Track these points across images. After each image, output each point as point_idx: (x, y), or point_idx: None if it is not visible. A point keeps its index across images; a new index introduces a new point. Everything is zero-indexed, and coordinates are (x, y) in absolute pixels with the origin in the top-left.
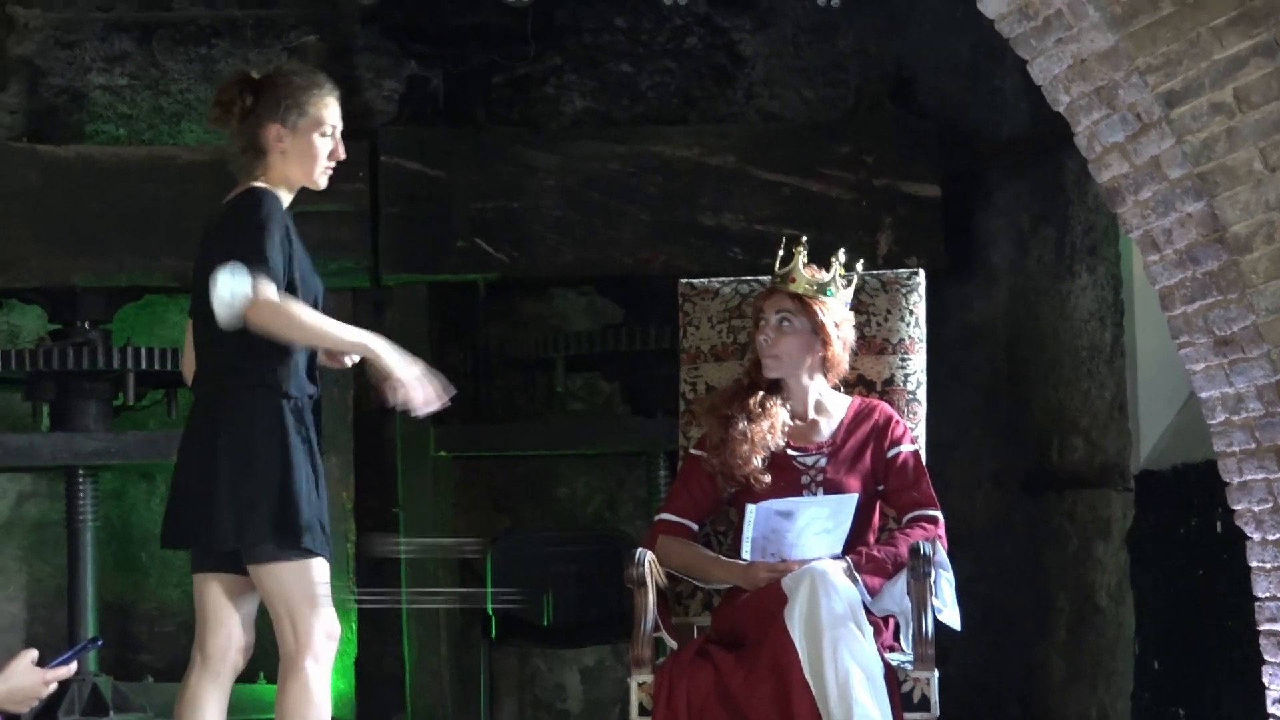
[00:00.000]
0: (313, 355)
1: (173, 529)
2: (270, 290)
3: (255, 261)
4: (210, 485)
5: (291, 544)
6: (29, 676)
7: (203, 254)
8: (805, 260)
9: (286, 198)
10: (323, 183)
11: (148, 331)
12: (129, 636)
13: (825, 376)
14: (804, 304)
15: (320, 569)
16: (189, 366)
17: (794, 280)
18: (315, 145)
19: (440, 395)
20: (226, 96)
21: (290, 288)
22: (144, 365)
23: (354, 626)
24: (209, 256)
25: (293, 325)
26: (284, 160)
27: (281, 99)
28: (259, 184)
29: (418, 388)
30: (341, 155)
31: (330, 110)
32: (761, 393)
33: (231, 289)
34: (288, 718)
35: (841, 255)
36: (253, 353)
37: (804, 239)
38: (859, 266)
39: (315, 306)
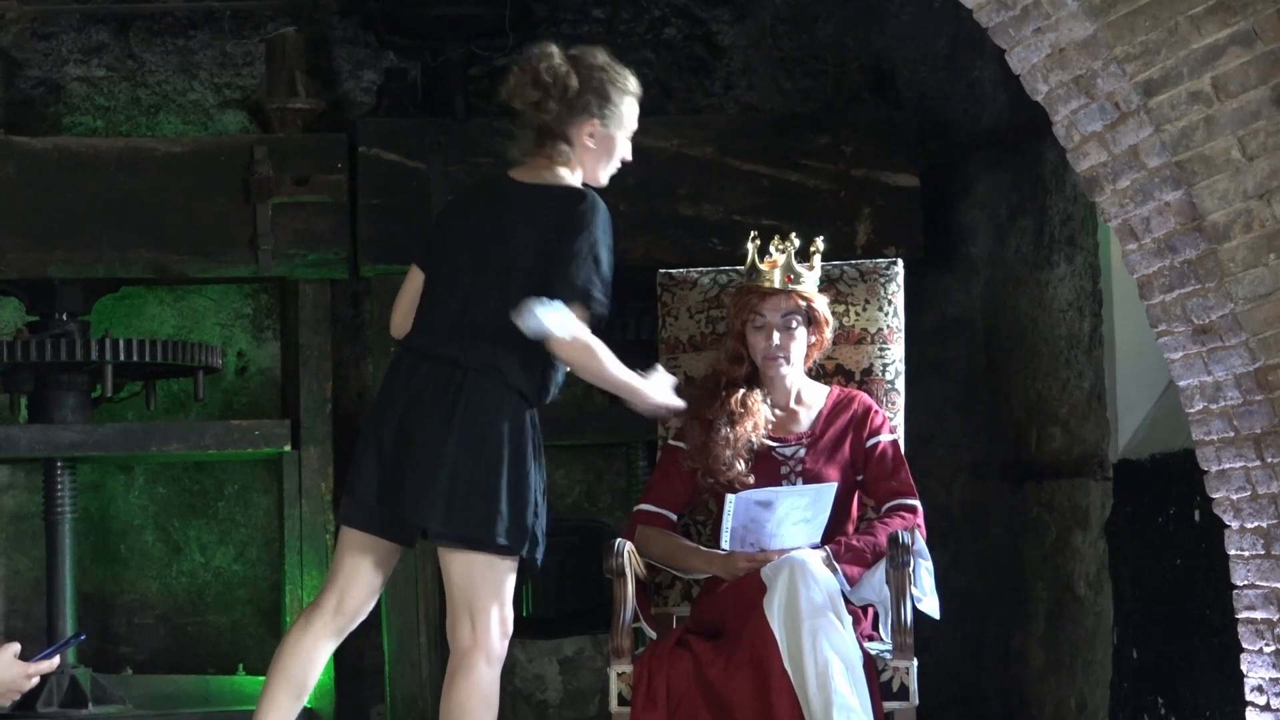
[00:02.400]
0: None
1: (381, 487)
2: (585, 332)
3: (585, 296)
4: (434, 461)
5: (491, 536)
6: (11, 669)
7: (506, 227)
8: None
9: None
10: (606, 181)
11: (126, 323)
12: (108, 629)
13: (805, 363)
14: (808, 303)
15: (512, 569)
16: (402, 316)
17: (791, 279)
18: (618, 147)
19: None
20: (550, 78)
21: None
22: (122, 357)
23: None
24: (523, 236)
25: (594, 371)
26: (583, 155)
27: (606, 97)
28: (581, 185)
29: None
30: (629, 157)
31: (636, 114)
32: (742, 389)
33: (547, 324)
34: (456, 715)
35: (820, 244)
36: (521, 359)
37: (792, 235)
38: (819, 244)
39: None
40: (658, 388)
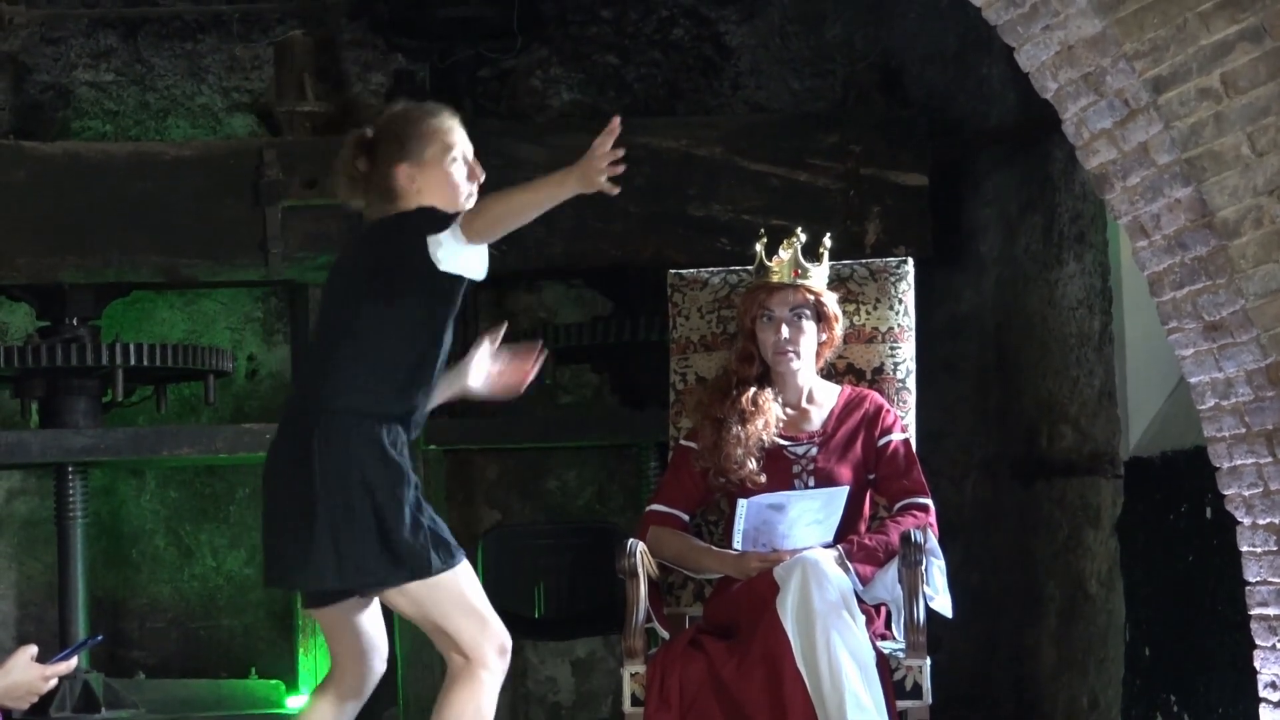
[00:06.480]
0: (415, 379)
1: (275, 569)
2: (468, 210)
3: (438, 221)
4: (309, 525)
5: (404, 568)
6: (29, 672)
7: (341, 263)
8: (801, 251)
9: None
10: (470, 203)
11: (136, 328)
12: (120, 633)
13: (817, 362)
14: (816, 297)
15: (451, 579)
16: None
17: (798, 273)
18: (451, 173)
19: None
20: (347, 164)
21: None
22: (133, 361)
23: None
24: (347, 277)
25: (516, 210)
26: (421, 199)
27: (403, 137)
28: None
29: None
30: (481, 177)
31: (455, 134)
32: (753, 388)
33: (462, 258)
34: (448, 716)
35: (828, 241)
36: (342, 377)
37: (799, 230)
38: (826, 242)
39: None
40: (571, 171)
